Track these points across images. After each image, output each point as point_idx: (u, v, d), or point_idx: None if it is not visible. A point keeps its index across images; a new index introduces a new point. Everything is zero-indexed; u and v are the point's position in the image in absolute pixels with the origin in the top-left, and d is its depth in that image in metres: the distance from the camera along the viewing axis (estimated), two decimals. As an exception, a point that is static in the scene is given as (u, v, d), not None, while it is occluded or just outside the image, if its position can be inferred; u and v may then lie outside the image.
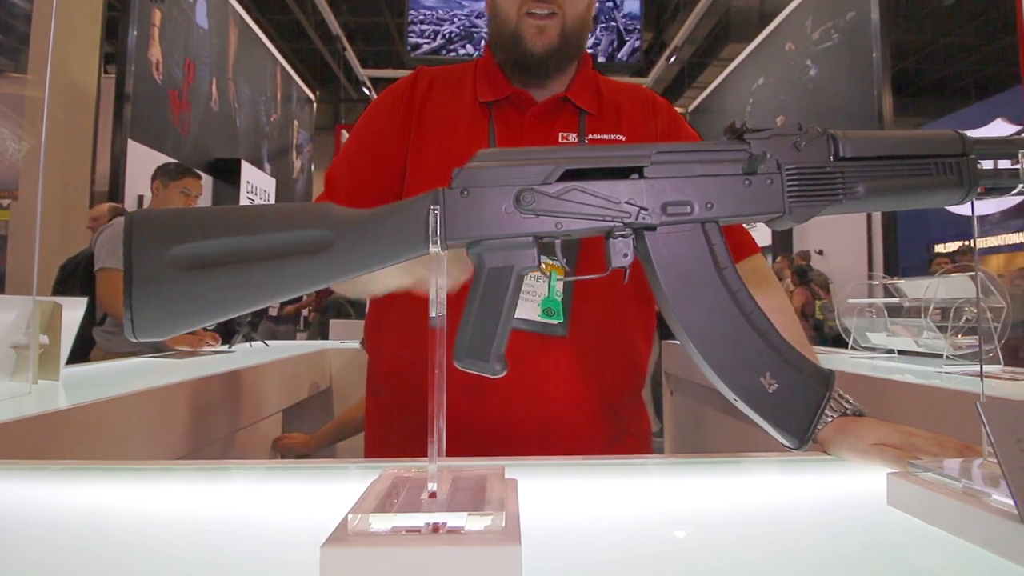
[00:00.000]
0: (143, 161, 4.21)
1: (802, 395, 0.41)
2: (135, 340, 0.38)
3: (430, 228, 0.39)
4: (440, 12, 5.49)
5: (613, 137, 0.77)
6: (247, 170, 5.77)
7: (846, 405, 0.61)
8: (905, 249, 4.81)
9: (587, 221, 0.41)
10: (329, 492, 0.50)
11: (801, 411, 0.41)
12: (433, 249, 0.40)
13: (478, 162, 0.41)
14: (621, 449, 0.77)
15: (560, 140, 0.76)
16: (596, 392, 0.74)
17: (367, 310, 0.85)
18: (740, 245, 0.79)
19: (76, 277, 2.44)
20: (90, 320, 2.14)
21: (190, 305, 0.38)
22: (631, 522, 0.46)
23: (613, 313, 0.75)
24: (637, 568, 0.38)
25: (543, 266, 0.44)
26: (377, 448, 0.82)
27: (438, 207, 0.40)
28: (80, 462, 0.59)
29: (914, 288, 1.93)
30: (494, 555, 0.33)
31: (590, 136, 0.77)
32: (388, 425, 0.79)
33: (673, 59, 7.30)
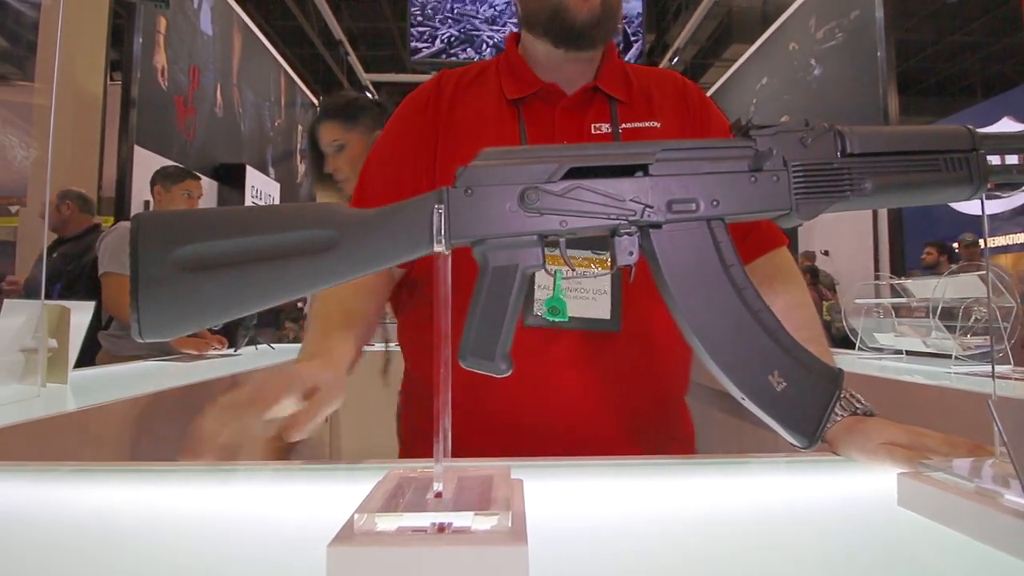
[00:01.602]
0: (149, 167, 4.23)
1: (811, 394, 0.40)
2: (141, 341, 0.38)
3: (434, 227, 0.39)
4: (438, 15, 5.50)
5: (647, 125, 0.75)
6: (251, 175, 5.80)
7: (856, 405, 0.60)
8: (912, 249, 4.77)
9: (592, 219, 0.40)
10: (335, 493, 0.50)
11: (810, 410, 0.40)
12: (438, 248, 0.40)
13: (482, 161, 0.41)
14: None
15: (593, 131, 0.74)
16: (639, 394, 0.72)
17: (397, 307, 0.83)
18: (767, 237, 0.76)
19: (82, 281, 2.46)
20: (96, 324, 2.15)
21: (196, 305, 0.38)
22: (638, 522, 0.46)
23: (660, 310, 0.72)
24: (644, 569, 0.38)
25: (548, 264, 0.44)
26: (410, 445, 0.81)
27: (442, 206, 0.40)
28: (89, 464, 0.60)
29: (922, 288, 1.92)
30: (500, 555, 0.33)
31: (624, 126, 0.74)
32: (419, 421, 0.78)
33: (676, 60, 7.29)
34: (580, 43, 0.74)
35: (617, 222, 0.40)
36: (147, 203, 4.28)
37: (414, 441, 0.79)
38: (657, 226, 0.41)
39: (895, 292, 2.11)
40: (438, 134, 0.75)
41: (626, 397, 0.71)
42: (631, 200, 0.40)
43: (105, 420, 1.01)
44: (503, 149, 0.42)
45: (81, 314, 1.24)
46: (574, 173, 0.41)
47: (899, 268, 4.52)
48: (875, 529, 0.45)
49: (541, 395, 0.68)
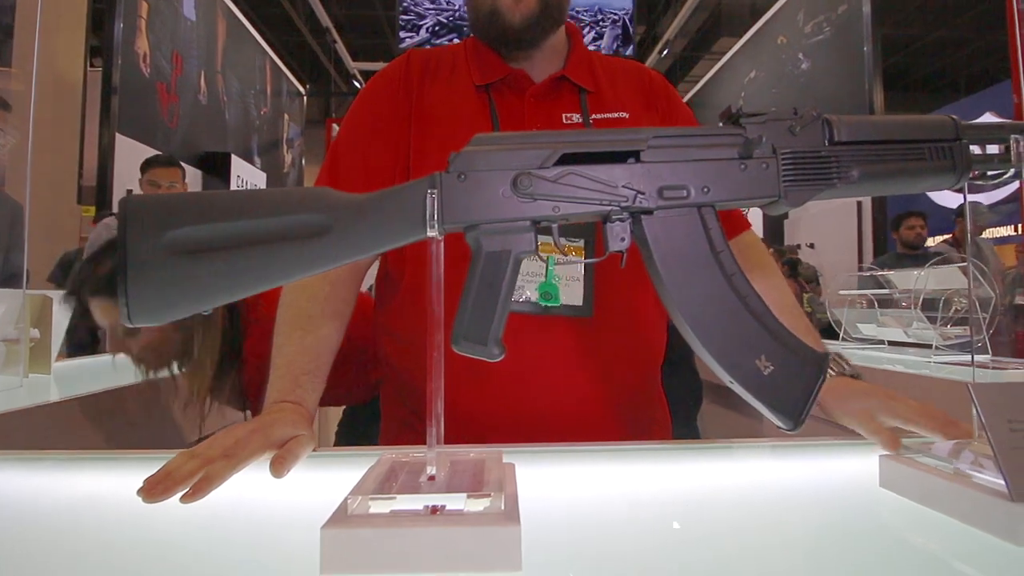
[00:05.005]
0: (131, 155, 4.16)
1: (797, 377, 0.41)
2: (131, 326, 0.37)
3: (427, 212, 0.39)
4: (423, 4, 5.46)
5: (616, 115, 0.75)
6: (237, 164, 5.71)
7: (844, 366, 0.62)
8: (896, 241, 4.83)
9: (584, 205, 0.41)
10: (328, 479, 0.50)
11: (796, 393, 0.41)
12: (431, 233, 0.40)
13: (475, 146, 0.41)
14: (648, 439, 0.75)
15: (564, 121, 0.74)
16: (621, 379, 0.73)
17: (374, 293, 0.82)
18: (736, 220, 0.77)
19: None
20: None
21: (186, 290, 0.38)
22: (628, 505, 0.47)
23: (637, 296, 0.73)
24: (634, 549, 0.39)
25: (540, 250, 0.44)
26: (392, 436, 0.80)
27: (435, 191, 0.40)
28: (78, 452, 0.59)
29: (904, 279, 1.96)
30: (494, 535, 0.34)
31: (594, 116, 0.74)
32: (401, 413, 0.78)
33: (665, 52, 7.29)
34: (519, 45, 0.74)
35: (609, 208, 0.41)
36: (129, 192, 4.20)
37: (399, 432, 0.79)
38: (648, 212, 0.41)
39: (878, 283, 2.14)
40: (411, 117, 0.74)
41: (607, 380, 0.72)
42: (623, 186, 0.41)
43: (88, 410, 1.00)
44: (497, 135, 0.42)
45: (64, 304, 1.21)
46: (567, 159, 0.41)
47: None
48: (858, 509, 0.46)
49: (526, 381, 0.69)
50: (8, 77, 3.48)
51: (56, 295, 1.22)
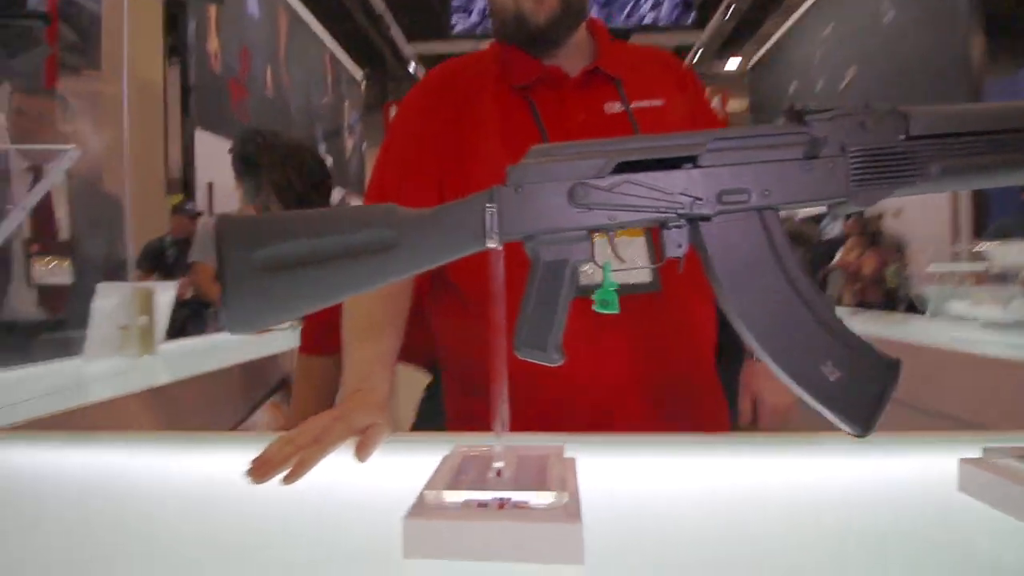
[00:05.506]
0: (210, 148, 4.46)
1: (866, 383, 0.40)
2: (231, 335, 0.42)
3: (487, 225, 0.41)
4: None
5: (653, 103, 0.76)
6: (303, 152, 5.97)
7: None
8: (999, 207, 4.33)
9: (640, 213, 0.41)
10: (403, 464, 0.54)
11: (865, 400, 0.40)
12: (491, 244, 0.42)
13: (532, 159, 0.42)
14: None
15: (606, 111, 0.76)
16: (678, 359, 0.75)
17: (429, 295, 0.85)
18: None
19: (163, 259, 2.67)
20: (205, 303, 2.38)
21: (274, 303, 0.42)
22: (687, 500, 0.47)
23: (690, 275, 0.75)
24: (693, 544, 0.40)
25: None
26: (457, 427, 0.84)
27: (494, 205, 0.41)
28: (182, 432, 0.67)
29: (1005, 253, 1.79)
30: (557, 531, 0.36)
31: (633, 104, 0.76)
32: (464, 404, 0.82)
33: (730, 12, 6.84)
34: (546, 44, 0.76)
35: (666, 215, 0.41)
36: (210, 185, 4.52)
37: (464, 425, 0.83)
38: (707, 218, 0.41)
39: (973, 258, 1.97)
40: (458, 124, 0.77)
41: (665, 360, 0.74)
42: (680, 193, 0.41)
43: (191, 390, 1.12)
44: (552, 146, 0.43)
45: (165, 293, 1.38)
46: (622, 167, 0.41)
47: (981, 229, 4.14)
48: (934, 513, 0.45)
49: (588, 368, 0.70)
50: (98, 80, 3.79)
51: (158, 286, 1.38)
